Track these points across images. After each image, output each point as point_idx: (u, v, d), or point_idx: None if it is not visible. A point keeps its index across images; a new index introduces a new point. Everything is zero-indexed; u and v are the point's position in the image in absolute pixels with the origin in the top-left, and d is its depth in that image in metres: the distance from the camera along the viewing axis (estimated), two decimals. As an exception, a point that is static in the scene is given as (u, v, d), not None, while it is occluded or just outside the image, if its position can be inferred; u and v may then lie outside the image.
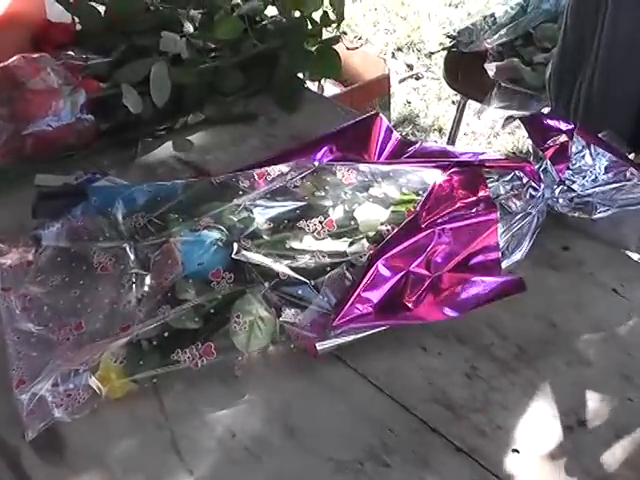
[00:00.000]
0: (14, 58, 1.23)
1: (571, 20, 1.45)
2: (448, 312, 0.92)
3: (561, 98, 1.53)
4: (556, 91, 1.55)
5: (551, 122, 1.11)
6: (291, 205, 1.00)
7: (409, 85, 3.45)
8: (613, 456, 0.82)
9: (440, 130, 3.12)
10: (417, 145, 1.13)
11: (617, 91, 1.43)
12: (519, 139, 2.94)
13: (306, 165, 1.05)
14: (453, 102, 3.13)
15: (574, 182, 1.06)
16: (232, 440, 0.84)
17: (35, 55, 1.26)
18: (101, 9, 1.39)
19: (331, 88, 2.35)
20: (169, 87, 1.28)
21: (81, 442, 0.85)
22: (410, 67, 3.56)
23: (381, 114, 1.17)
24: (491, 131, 3.05)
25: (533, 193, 1.03)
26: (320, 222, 0.97)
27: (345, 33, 3.53)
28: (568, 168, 1.06)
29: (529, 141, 1.11)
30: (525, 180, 1.04)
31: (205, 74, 1.34)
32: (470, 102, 2.51)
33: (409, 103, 3.31)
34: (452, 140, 2.59)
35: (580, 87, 1.45)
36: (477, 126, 3.07)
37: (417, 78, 3.49)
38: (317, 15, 1.43)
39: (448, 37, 2.42)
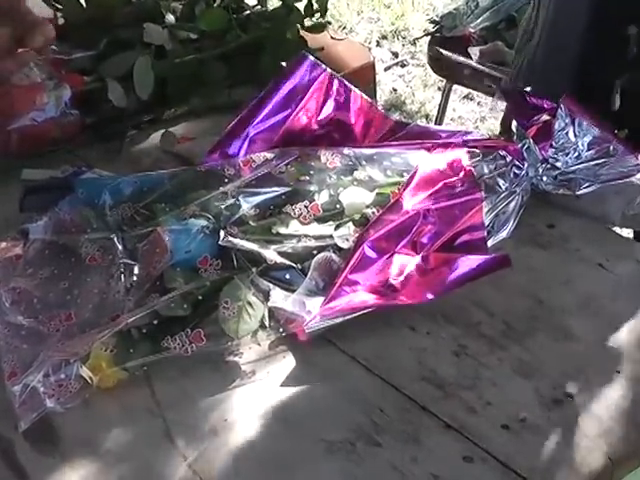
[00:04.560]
0: (-4, 54, 1.23)
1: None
2: (435, 292, 0.93)
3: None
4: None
5: (534, 101, 1.12)
6: (277, 191, 1.00)
7: (395, 72, 3.46)
8: (602, 428, 0.83)
9: (427, 116, 3.13)
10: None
11: (557, 63, 1.42)
12: (506, 123, 2.94)
13: (290, 151, 1.05)
14: (439, 88, 3.13)
15: (557, 160, 1.06)
16: (224, 425, 0.85)
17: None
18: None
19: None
20: (152, 80, 1.28)
21: (74, 432, 0.85)
22: (395, 55, 3.57)
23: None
24: (477, 115, 3.06)
25: (517, 172, 1.04)
26: (306, 207, 0.98)
27: (330, 23, 3.52)
28: (551, 146, 1.06)
29: (513, 122, 1.12)
30: (509, 159, 1.04)
31: (189, 66, 1.34)
32: (455, 87, 2.52)
33: (395, 90, 3.32)
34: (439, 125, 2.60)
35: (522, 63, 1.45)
36: (463, 111, 3.07)
37: (402, 65, 3.50)
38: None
39: (431, 22, 2.43)
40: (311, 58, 1.14)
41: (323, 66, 1.13)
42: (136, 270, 0.94)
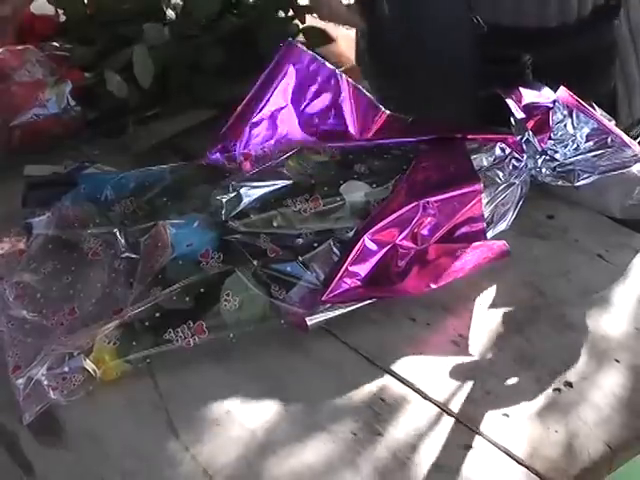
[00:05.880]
0: (-1, 51, 1.24)
1: None
2: (435, 283, 0.93)
3: None
4: None
5: (531, 93, 1.12)
6: (278, 184, 1.01)
7: (396, 67, 3.45)
8: (601, 416, 0.83)
9: (428, 110, 3.13)
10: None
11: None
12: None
13: (290, 145, 1.06)
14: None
15: (556, 151, 1.06)
16: (227, 416, 0.86)
17: (20, 47, 1.27)
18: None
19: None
20: (152, 67, 1.28)
21: (78, 425, 0.86)
22: (396, 49, 3.56)
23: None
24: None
25: (516, 164, 1.05)
26: (306, 200, 0.98)
27: (331, 18, 3.52)
28: (550, 138, 1.07)
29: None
30: (508, 151, 1.05)
31: (186, 50, 1.34)
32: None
33: (397, 84, 3.31)
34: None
35: None
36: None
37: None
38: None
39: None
40: (302, 48, 1.13)
41: (319, 58, 1.13)
42: (138, 264, 0.95)
